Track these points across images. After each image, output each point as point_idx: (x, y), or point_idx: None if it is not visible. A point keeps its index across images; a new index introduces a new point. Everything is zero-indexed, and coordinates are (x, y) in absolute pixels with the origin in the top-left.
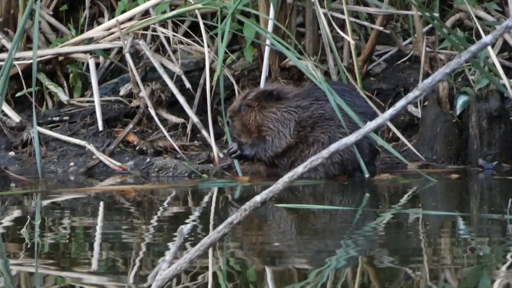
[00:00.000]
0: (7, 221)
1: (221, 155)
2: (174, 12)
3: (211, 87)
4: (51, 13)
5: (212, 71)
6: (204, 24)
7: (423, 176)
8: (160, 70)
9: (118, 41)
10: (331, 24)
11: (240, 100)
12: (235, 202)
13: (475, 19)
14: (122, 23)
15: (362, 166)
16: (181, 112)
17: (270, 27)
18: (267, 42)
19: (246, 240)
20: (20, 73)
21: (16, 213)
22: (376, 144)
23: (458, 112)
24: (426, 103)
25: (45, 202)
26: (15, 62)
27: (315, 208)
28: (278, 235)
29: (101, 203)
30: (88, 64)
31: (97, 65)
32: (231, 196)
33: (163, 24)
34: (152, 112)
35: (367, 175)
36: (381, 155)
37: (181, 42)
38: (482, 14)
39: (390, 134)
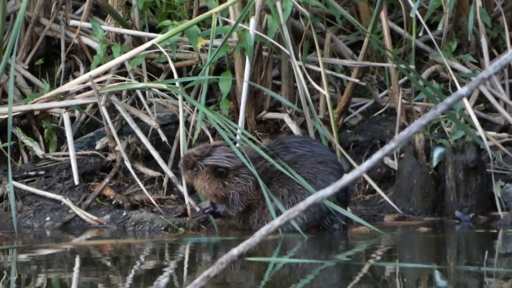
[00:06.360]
0: None
1: (197, 209)
2: (141, 85)
3: (187, 141)
4: (27, 67)
5: (186, 125)
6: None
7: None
8: (133, 126)
9: (93, 96)
10: (307, 77)
11: (198, 158)
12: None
13: (450, 71)
14: (96, 77)
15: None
16: (157, 166)
17: (246, 77)
18: (243, 94)
19: None
20: None
21: None
22: (348, 192)
23: (434, 164)
24: (402, 155)
25: (22, 257)
26: None
27: (285, 262)
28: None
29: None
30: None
31: (73, 119)
32: (209, 250)
33: (139, 77)
34: (129, 165)
35: (344, 223)
36: (358, 207)
37: (156, 96)
38: (458, 66)
39: (367, 187)
